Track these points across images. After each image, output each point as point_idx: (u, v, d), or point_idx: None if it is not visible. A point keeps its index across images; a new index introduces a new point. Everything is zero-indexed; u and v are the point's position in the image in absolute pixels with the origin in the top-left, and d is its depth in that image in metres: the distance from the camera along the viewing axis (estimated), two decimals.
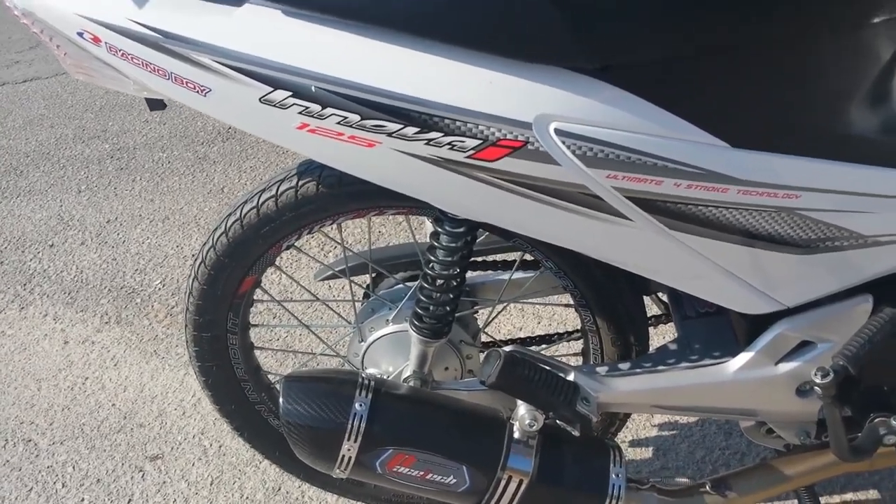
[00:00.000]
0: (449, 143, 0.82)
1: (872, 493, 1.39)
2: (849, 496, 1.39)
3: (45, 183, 2.77)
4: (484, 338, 1.29)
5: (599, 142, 0.80)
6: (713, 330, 1.06)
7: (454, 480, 0.98)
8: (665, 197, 0.83)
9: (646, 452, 1.52)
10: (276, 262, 1.15)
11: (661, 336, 1.70)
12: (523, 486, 0.98)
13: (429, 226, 1.10)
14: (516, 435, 0.99)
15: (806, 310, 0.94)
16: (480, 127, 0.80)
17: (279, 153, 2.82)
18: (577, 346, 1.30)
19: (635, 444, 1.54)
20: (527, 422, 0.98)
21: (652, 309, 1.24)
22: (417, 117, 0.81)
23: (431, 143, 0.82)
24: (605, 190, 0.83)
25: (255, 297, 1.19)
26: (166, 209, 2.52)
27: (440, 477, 0.98)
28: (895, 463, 1.12)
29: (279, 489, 1.52)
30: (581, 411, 0.99)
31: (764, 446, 1.20)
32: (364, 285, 1.30)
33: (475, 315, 1.28)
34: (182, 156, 2.86)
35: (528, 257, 1.23)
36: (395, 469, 0.98)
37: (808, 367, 0.94)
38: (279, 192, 1.04)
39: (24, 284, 2.22)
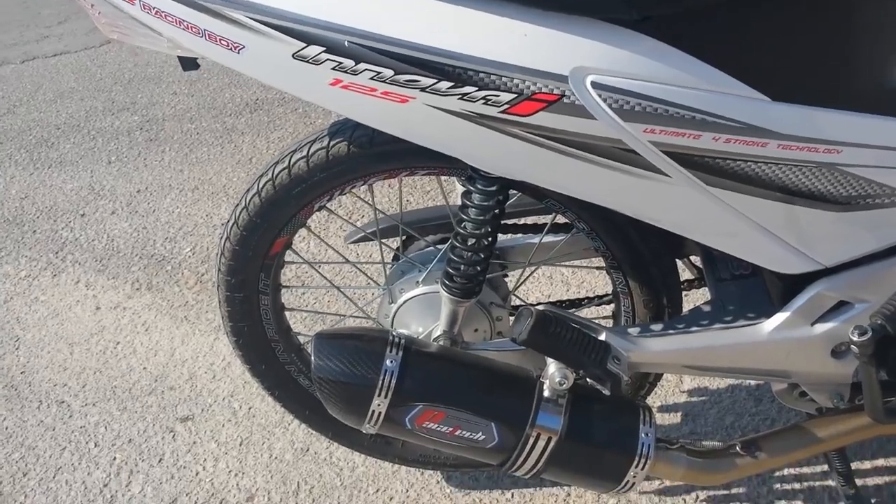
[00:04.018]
0: (483, 98, 0.81)
1: None
2: (880, 462, 1.37)
3: (75, 154, 2.80)
4: (514, 301, 1.29)
5: (637, 95, 0.79)
6: (747, 292, 1.05)
7: (483, 437, 0.98)
8: (703, 151, 0.82)
9: (675, 417, 1.52)
10: (307, 224, 1.16)
11: (693, 302, 1.68)
12: (552, 444, 0.98)
13: (460, 187, 1.10)
14: (546, 393, 0.99)
15: (843, 270, 0.93)
16: (515, 80, 0.80)
17: (307, 123, 2.82)
18: (607, 311, 1.30)
19: (664, 409, 1.53)
20: (557, 380, 0.98)
21: (684, 274, 1.23)
22: (451, 71, 0.80)
23: (465, 97, 0.81)
24: (641, 144, 0.82)
25: (286, 259, 1.19)
26: (195, 179, 2.54)
27: (469, 433, 0.98)
28: None
29: (307, 450, 1.54)
30: (612, 370, 0.99)
31: (794, 412, 1.19)
32: (395, 248, 1.30)
33: (505, 279, 1.28)
34: (210, 127, 2.88)
35: (559, 220, 1.23)
36: (424, 425, 0.98)
37: (845, 328, 0.93)
38: (310, 153, 1.05)
39: (57, 252, 2.25)
